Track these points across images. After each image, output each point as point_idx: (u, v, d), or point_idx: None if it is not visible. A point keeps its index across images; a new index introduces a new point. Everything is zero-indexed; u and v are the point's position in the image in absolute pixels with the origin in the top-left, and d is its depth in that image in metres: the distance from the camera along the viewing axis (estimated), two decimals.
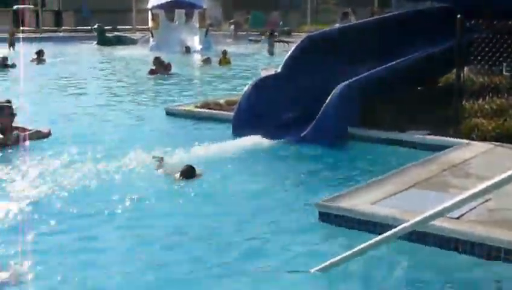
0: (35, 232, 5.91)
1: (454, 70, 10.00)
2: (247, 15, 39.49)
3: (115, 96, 15.11)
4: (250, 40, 32.54)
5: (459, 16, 9.45)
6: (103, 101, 14.06)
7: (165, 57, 19.70)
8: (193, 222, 6.27)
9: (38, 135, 9.60)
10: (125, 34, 33.86)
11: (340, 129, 9.53)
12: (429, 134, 9.20)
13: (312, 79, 10.67)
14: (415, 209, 5.50)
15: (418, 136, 9.18)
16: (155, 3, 29.04)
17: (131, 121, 11.63)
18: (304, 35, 14.70)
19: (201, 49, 27.21)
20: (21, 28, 33.48)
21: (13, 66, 20.45)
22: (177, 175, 7.58)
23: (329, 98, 9.56)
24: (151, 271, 5.16)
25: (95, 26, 32.30)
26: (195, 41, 28.19)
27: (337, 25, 20.03)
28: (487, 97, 10.05)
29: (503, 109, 9.61)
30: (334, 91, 9.61)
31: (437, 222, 5.17)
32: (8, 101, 10.00)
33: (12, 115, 9.59)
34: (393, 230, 4.87)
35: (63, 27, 40.04)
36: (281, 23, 36.98)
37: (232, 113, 10.51)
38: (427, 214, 4.65)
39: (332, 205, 6.15)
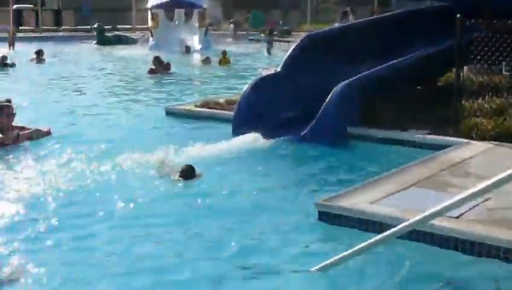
0: (32, 231, 5.91)
1: (454, 70, 10.00)
2: (247, 14, 39.48)
3: (114, 95, 15.10)
4: (251, 40, 32.54)
5: (458, 15, 9.45)
6: (103, 101, 14.05)
7: (164, 57, 19.70)
8: (192, 222, 6.26)
9: (38, 134, 9.61)
10: (125, 34, 33.84)
11: (340, 128, 9.53)
12: (429, 133, 9.20)
13: (312, 78, 10.67)
14: (414, 209, 5.50)
15: (417, 136, 9.18)
16: (155, 3, 29.03)
17: (131, 121, 11.62)
18: (303, 34, 14.69)
19: (200, 48, 27.20)
20: (20, 27, 33.48)
21: (13, 65, 20.46)
22: (177, 175, 7.57)
23: (329, 97, 9.56)
24: (149, 272, 5.16)
25: (95, 26, 32.29)
26: (194, 41, 28.18)
27: (336, 24, 20.07)
28: (487, 96, 10.06)
29: (502, 109, 9.61)
30: (334, 90, 9.61)
31: (436, 221, 5.18)
32: (8, 101, 9.99)
33: (12, 114, 9.59)
34: (393, 229, 4.87)
35: (63, 26, 40.02)
36: (281, 22, 36.99)
37: (232, 113, 10.50)
38: (426, 213, 4.65)
39: (332, 205, 6.15)
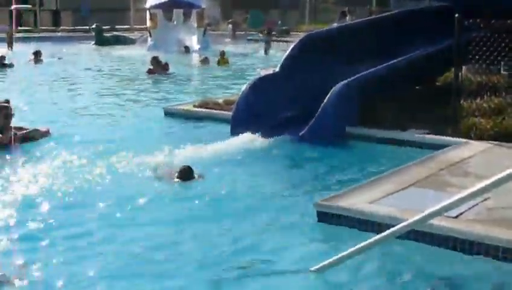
0: (30, 232, 5.92)
1: (453, 70, 10.00)
2: (246, 14, 39.49)
3: (112, 96, 15.09)
4: (249, 40, 32.53)
5: (457, 15, 9.45)
6: (101, 101, 14.05)
7: (163, 57, 19.69)
8: (190, 223, 6.25)
9: (37, 134, 9.59)
10: (124, 34, 33.83)
11: (338, 128, 9.53)
12: (428, 133, 9.21)
13: (310, 78, 10.67)
14: (413, 208, 5.50)
15: (416, 136, 9.18)
16: (153, 3, 29.02)
17: (130, 121, 11.62)
18: (302, 34, 14.69)
19: (199, 48, 27.20)
20: (18, 27, 33.47)
21: (11, 65, 20.45)
22: (175, 176, 7.55)
23: (327, 97, 9.56)
24: (148, 271, 5.15)
25: (93, 26, 32.28)
26: (193, 41, 28.17)
27: (335, 25, 20.07)
28: (485, 96, 10.06)
29: (501, 108, 9.62)
30: (332, 90, 9.61)
31: (435, 221, 5.18)
32: (7, 101, 9.98)
33: (10, 115, 9.57)
34: (392, 229, 4.87)
35: (61, 27, 39.99)
36: (280, 22, 36.99)
37: (230, 113, 10.50)
38: (425, 213, 4.65)
39: (331, 205, 6.14)
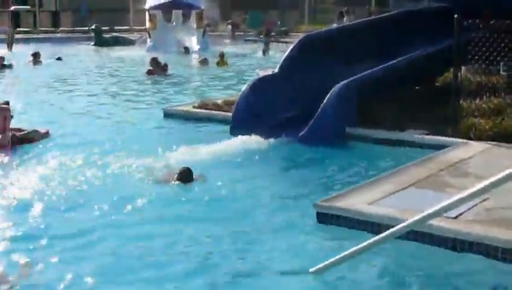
0: (29, 232, 5.93)
1: (452, 70, 10.00)
2: (245, 15, 39.45)
3: (112, 97, 15.09)
4: (247, 41, 32.50)
5: (456, 15, 9.46)
6: (100, 102, 14.04)
7: (162, 58, 19.68)
8: (190, 225, 6.24)
9: (36, 136, 9.59)
10: (123, 35, 33.79)
11: (338, 129, 9.53)
12: (427, 134, 9.21)
13: (310, 79, 10.67)
14: (413, 209, 5.50)
15: (416, 136, 9.19)
16: (152, 4, 28.99)
17: (129, 122, 11.60)
18: (301, 35, 14.69)
19: (198, 49, 27.18)
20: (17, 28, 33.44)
21: (10, 66, 20.43)
22: (174, 178, 7.54)
23: (327, 97, 9.57)
24: (147, 273, 5.16)
25: (93, 27, 32.24)
26: (192, 42, 28.16)
27: (334, 25, 20.08)
28: (484, 97, 10.07)
29: (500, 109, 9.63)
30: (332, 91, 9.62)
31: (435, 222, 5.18)
32: (6, 103, 9.98)
33: (9, 116, 9.58)
34: (391, 230, 4.87)
35: (61, 28, 39.96)
36: (279, 23, 36.97)
37: (230, 114, 10.50)
38: (424, 213, 4.65)
39: (331, 205, 6.15)
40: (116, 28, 36.07)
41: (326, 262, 4.99)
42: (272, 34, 30.97)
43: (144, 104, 13.90)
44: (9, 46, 27.73)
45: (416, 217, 4.71)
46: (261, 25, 35.19)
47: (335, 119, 9.54)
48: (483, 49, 9.96)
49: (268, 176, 8.01)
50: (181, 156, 8.54)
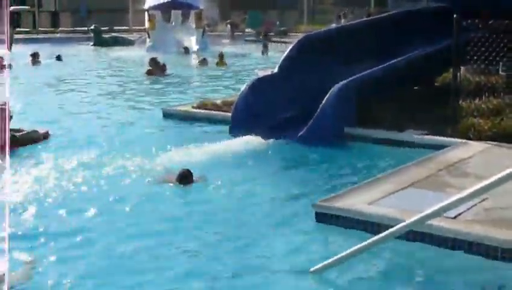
0: (28, 233, 5.93)
1: (451, 70, 10.01)
2: (244, 15, 39.44)
3: (111, 97, 15.07)
4: (246, 41, 32.49)
5: (455, 15, 9.46)
6: (99, 102, 14.03)
7: (161, 58, 19.67)
8: (190, 225, 6.25)
9: (35, 136, 9.58)
10: (122, 35, 33.77)
11: (337, 129, 9.54)
12: (426, 134, 9.21)
13: (309, 79, 10.67)
14: (412, 209, 5.51)
15: (415, 136, 9.19)
16: (152, 4, 28.98)
17: (128, 122, 11.59)
18: (300, 35, 14.68)
19: (198, 49, 27.17)
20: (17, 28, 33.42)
21: (9, 66, 20.41)
22: (174, 179, 7.51)
23: (326, 97, 9.57)
24: (146, 273, 5.16)
25: (92, 27, 32.23)
26: (192, 42, 28.15)
27: (333, 25, 20.09)
28: (484, 97, 10.07)
29: (499, 109, 9.64)
30: (331, 91, 9.62)
31: (434, 222, 5.18)
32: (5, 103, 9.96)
33: (9, 117, 9.56)
34: (391, 230, 4.88)
35: (60, 28, 39.95)
36: (278, 23, 36.97)
37: (229, 114, 10.50)
38: (424, 213, 4.66)
39: (330, 205, 6.15)
40: (115, 28, 36.04)
41: (326, 262, 4.99)
42: (271, 34, 30.98)
43: (143, 104, 13.89)
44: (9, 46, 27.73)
45: (416, 217, 4.72)
46: (261, 25, 35.21)
47: (334, 120, 9.55)
48: (482, 49, 9.97)
49: (267, 176, 8.01)
50: (180, 156, 8.53)
